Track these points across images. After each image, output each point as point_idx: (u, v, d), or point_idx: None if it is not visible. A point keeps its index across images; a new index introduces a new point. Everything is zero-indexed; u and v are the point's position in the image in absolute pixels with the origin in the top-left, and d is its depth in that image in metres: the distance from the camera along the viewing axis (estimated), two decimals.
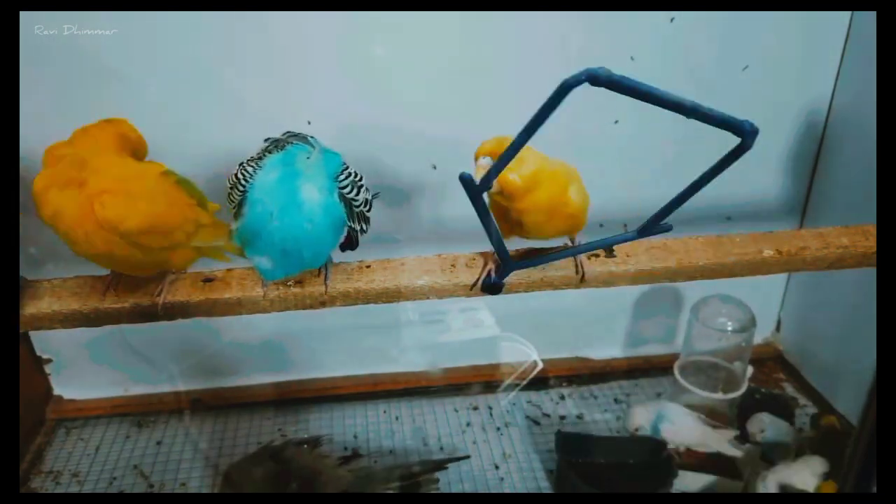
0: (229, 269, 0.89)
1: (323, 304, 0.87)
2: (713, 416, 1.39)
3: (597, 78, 0.57)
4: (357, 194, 0.83)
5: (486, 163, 0.77)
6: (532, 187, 0.82)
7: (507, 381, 1.61)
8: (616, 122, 1.33)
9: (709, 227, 1.14)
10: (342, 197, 0.81)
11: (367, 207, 0.86)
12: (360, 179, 0.85)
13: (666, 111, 0.60)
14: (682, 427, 1.34)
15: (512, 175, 0.79)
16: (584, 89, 0.57)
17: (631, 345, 1.69)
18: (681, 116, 0.62)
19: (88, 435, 1.51)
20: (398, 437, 1.48)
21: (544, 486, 1.36)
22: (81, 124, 0.84)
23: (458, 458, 1.40)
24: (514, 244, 0.91)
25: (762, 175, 1.48)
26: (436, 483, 1.32)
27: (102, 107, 1.18)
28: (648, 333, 1.68)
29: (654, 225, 0.83)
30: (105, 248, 0.77)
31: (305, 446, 1.39)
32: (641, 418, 1.37)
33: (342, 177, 0.82)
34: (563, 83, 0.58)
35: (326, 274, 0.86)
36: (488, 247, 0.93)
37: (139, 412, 1.56)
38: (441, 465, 1.37)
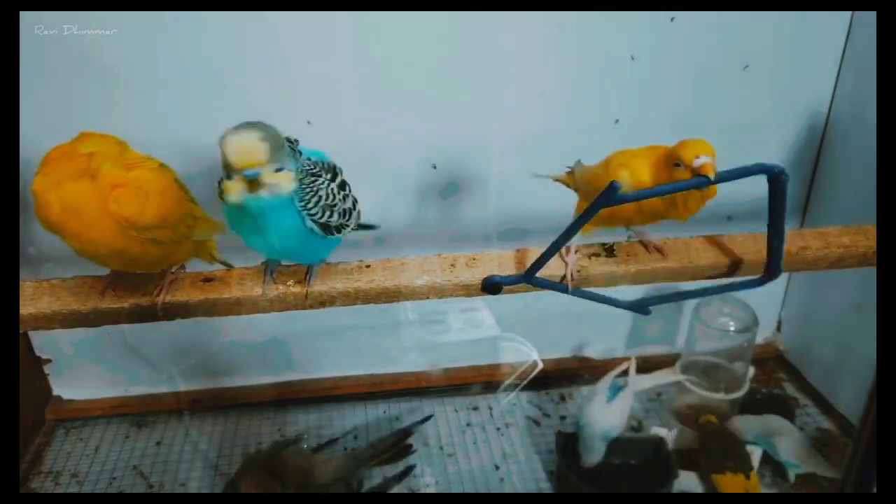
0: (229, 269, 0.89)
1: (323, 304, 0.87)
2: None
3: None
4: (331, 216, 0.79)
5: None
6: None
7: (507, 381, 1.61)
8: (616, 121, 1.33)
9: (710, 226, 1.14)
10: (316, 223, 0.78)
11: (347, 217, 0.83)
12: (331, 199, 0.79)
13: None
14: (595, 413, 1.30)
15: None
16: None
17: (631, 345, 1.69)
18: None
19: (88, 435, 1.51)
20: None
21: (544, 487, 1.36)
22: (81, 124, 0.83)
23: (424, 420, 1.47)
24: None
25: (763, 175, 1.47)
26: (411, 450, 1.36)
27: (102, 107, 1.19)
28: (649, 333, 1.67)
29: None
30: (123, 245, 0.76)
31: (305, 445, 1.39)
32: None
33: (310, 205, 0.77)
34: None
35: (311, 275, 0.86)
36: (489, 247, 0.93)
37: (139, 412, 1.56)
38: (408, 431, 1.39)
